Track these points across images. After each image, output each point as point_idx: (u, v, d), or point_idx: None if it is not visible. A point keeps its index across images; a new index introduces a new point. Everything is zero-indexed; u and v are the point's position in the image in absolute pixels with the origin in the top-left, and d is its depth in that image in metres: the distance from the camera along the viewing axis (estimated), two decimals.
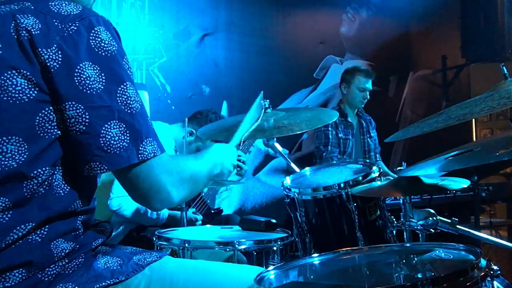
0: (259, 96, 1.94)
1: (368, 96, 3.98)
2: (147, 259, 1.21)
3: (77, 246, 1.12)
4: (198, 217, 2.96)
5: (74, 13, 1.08)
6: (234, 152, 1.54)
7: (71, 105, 1.04)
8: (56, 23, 1.05)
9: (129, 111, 1.08)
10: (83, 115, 1.04)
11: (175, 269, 1.23)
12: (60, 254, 1.08)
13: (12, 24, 1.05)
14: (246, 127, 1.75)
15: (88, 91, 1.04)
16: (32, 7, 1.07)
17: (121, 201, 2.78)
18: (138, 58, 4.10)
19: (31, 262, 1.04)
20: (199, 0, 4.47)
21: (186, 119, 3.04)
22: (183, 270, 1.23)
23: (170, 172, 1.12)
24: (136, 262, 1.19)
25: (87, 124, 1.04)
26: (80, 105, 1.04)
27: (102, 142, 1.05)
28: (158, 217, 2.82)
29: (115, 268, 1.15)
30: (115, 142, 1.06)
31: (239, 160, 3.02)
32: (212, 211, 3.19)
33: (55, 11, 1.07)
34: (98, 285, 1.10)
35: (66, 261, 1.09)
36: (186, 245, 1.83)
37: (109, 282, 1.12)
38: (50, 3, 1.09)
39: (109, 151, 1.05)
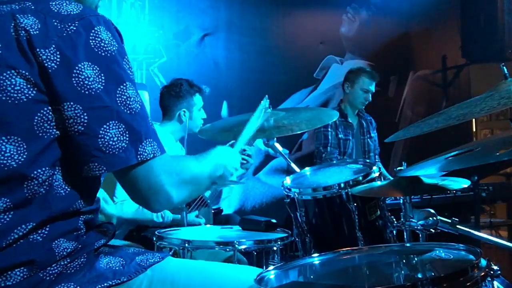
0: (263, 100, 1.89)
1: (370, 98, 3.98)
2: (150, 260, 1.20)
3: (79, 246, 1.12)
4: (201, 221, 2.96)
5: (74, 13, 1.07)
6: (237, 156, 1.53)
7: (70, 106, 1.04)
8: (55, 23, 1.05)
9: (128, 111, 1.08)
10: (82, 116, 1.04)
11: (176, 270, 1.23)
12: (62, 253, 1.08)
13: (12, 24, 1.05)
14: (250, 132, 1.71)
15: (87, 92, 1.04)
16: (33, 7, 1.07)
17: (126, 204, 2.78)
18: (138, 58, 4.10)
19: (33, 261, 1.04)
20: (199, 0, 4.47)
21: (178, 114, 3.05)
22: (184, 271, 1.23)
23: (169, 173, 1.12)
24: (138, 263, 1.18)
25: (85, 124, 1.04)
26: (78, 106, 1.04)
27: (100, 142, 1.05)
28: (162, 222, 2.82)
29: (117, 268, 1.15)
30: (114, 143, 1.05)
31: (244, 154, 3.04)
32: (212, 211, 3.18)
33: (55, 11, 1.07)
34: (100, 286, 1.10)
35: (68, 260, 1.09)
36: (186, 245, 1.83)
37: (111, 282, 1.11)
38: (50, 3, 1.08)
39: (107, 151, 1.05)
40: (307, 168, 2.30)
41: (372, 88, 3.97)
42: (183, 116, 3.09)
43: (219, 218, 3.19)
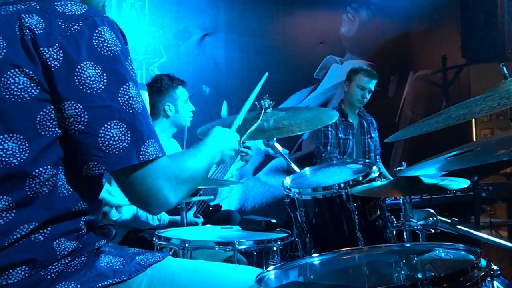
0: (263, 78, 1.89)
1: (368, 96, 3.98)
2: (150, 260, 1.21)
3: (80, 245, 1.12)
4: (198, 221, 2.95)
5: (79, 13, 1.08)
6: (235, 136, 1.53)
7: (70, 105, 1.04)
8: (59, 23, 1.06)
9: (130, 111, 1.08)
10: (82, 115, 1.04)
11: (176, 270, 1.23)
12: (63, 252, 1.08)
13: (17, 24, 1.06)
14: (247, 107, 1.76)
15: (88, 91, 1.04)
16: (38, 7, 1.08)
17: (123, 210, 2.77)
18: (138, 58, 4.10)
19: (34, 260, 1.05)
20: (199, 0, 4.47)
21: (162, 109, 3.03)
22: (184, 271, 1.23)
23: (168, 177, 1.11)
24: (138, 262, 1.19)
25: (85, 123, 1.04)
26: (79, 105, 1.04)
27: (100, 142, 1.04)
28: (159, 224, 2.82)
29: (117, 267, 1.15)
30: (114, 143, 1.05)
31: (244, 147, 3.02)
32: (211, 208, 3.17)
33: (60, 11, 1.08)
34: (100, 284, 1.10)
35: (69, 259, 1.10)
36: (186, 245, 1.83)
37: (111, 281, 1.12)
38: (56, 3, 1.09)
39: (107, 151, 1.05)
40: (307, 168, 2.30)
41: (370, 86, 3.96)
42: (168, 110, 3.07)
43: (218, 215, 3.17)
